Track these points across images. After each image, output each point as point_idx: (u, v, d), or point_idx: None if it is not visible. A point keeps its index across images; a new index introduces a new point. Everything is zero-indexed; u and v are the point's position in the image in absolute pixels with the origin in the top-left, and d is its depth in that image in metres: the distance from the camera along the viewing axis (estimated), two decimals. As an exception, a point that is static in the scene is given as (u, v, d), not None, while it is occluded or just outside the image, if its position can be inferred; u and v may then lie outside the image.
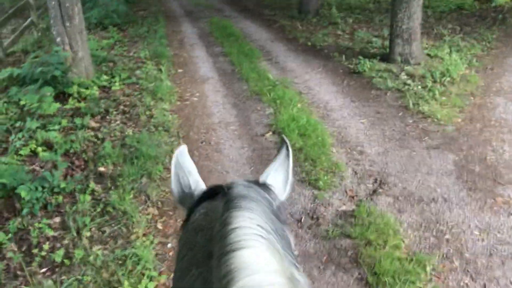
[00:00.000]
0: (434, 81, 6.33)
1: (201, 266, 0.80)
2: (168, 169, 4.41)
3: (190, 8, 15.42)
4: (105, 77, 6.84)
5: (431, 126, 5.10)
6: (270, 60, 8.37)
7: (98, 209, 3.66)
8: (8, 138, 4.92)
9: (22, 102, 5.50)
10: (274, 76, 7.24)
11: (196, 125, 5.59)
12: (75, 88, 6.11)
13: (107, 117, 5.59)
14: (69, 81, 6.14)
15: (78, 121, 5.27)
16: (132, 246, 3.19)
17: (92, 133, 5.10)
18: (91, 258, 3.06)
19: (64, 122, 5.23)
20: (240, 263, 0.67)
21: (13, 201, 3.71)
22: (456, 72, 6.58)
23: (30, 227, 3.45)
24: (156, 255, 3.18)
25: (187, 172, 1.17)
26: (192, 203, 1.03)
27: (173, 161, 1.19)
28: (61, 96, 6.08)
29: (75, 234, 3.36)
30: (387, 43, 8.39)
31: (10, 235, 3.33)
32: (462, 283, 2.89)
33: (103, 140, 4.96)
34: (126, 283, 2.85)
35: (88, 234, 3.36)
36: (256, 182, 1.01)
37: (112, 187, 4.00)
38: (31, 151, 4.68)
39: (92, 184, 4.00)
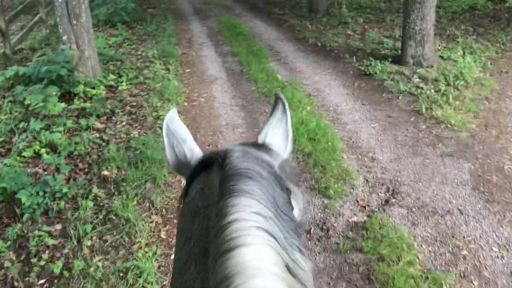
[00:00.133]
0: (448, 85, 6.16)
1: (199, 264, 0.76)
2: (173, 174, 4.30)
3: (199, 6, 15.29)
4: (112, 76, 6.74)
5: (445, 132, 4.93)
6: (279, 60, 8.22)
7: (100, 216, 3.55)
8: (12, 139, 4.84)
9: (26, 102, 5.41)
10: (283, 77, 7.11)
11: (203, 127, 5.47)
12: (81, 88, 6.01)
13: (113, 118, 5.48)
14: (75, 80, 6.04)
15: (83, 122, 5.17)
16: (134, 258, 3.07)
17: (97, 135, 5.00)
18: (91, 269, 2.95)
19: (69, 122, 5.13)
20: (236, 266, 0.62)
21: (14, 206, 3.61)
22: (470, 76, 6.40)
23: (30, 234, 3.35)
24: (159, 267, 3.07)
25: (181, 139, 1.11)
26: (188, 174, 0.99)
27: (164, 130, 1.12)
28: (67, 96, 5.99)
29: (75, 243, 3.25)
30: (398, 44, 8.22)
31: (9, 242, 3.23)
32: (479, 303, 2.75)
33: (108, 142, 4.85)
34: (127, 296, 2.74)
35: (89, 243, 3.25)
36: (255, 144, 0.97)
37: (116, 193, 3.89)
38: (35, 152, 4.59)
39: (95, 189, 3.89)
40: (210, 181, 0.85)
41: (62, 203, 3.72)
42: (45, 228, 3.41)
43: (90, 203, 3.69)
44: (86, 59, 6.43)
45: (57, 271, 2.94)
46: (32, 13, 11.56)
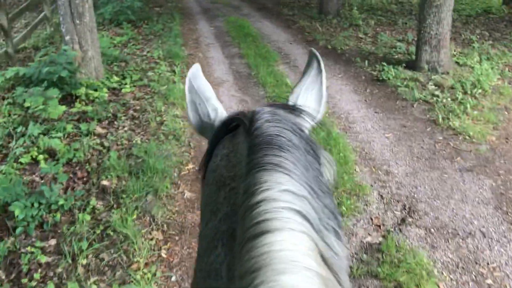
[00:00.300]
0: (465, 93, 5.90)
1: (226, 245, 0.69)
2: (176, 185, 4.08)
3: (207, 5, 15.07)
4: (115, 78, 6.53)
5: (463, 145, 4.68)
6: (288, 63, 7.99)
7: (98, 231, 3.34)
8: (9, 144, 4.64)
9: (26, 104, 5.20)
10: (293, 81, 6.86)
11: (209, 133, 5.24)
12: (83, 90, 5.80)
13: (115, 122, 5.27)
14: (77, 82, 5.83)
15: (83, 126, 4.96)
16: (131, 280, 2.85)
17: (98, 141, 4.79)
18: (85, 293, 2.74)
19: (69, 127, 4.91)
20: (262, 258, 0.54)
21: (6, 219, 3.40)
22: (487, 83, 6.13)
23: (22, 250, 3.14)
24: (158, 291, 2.85)
25: (204, 98, 1.05)
26: (211, 137, 0.92)
27: (186, 87, 1.06)
28: (68, 98, 5.78)
29: (70, 261, 3.03)
30: (412, 48, 7.97)
31: (-1, 259, 3.02)
32: None
33: (108, 148, 4.64)
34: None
35: (84, 261, 3.03)
36: (285, 106, 0.89)
37: (115, 205, 3.67)
38: (32, 159, 4.39)
39: (93, 201, 3.68)
40: (236, 147, 0.79)
41: (58, 215, 3.51)
42: (39, 244, 3.19)
43: (88, 217, 3.48)
44: (89, 60, 6.23)
45: (48, 294, 2.73)
46: (37, 10, 11.39)
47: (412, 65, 6.98)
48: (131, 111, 5.59)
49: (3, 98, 5.68)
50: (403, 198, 3.81)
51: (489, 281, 2.89)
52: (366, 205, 3.73)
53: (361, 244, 3.28)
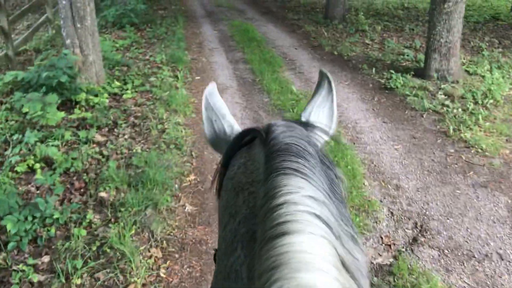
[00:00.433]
0: (476, 103, 5.72)
1: (246, 247, 0.70)
2: (176, 197, 3.91)
3: (211, 8, 14.94)
4: (117, 83, 6.38)
5: (476, 158, 4.50)
6: (293, 69, 7.82)
7: (94, 248, 3.17)
8: (6, 151, 4.49)
9: (24, 109, 5.05)
10: (298, 88, 6.70)
11: (212, 142, 5.07)
12: (83, 96, 5.65)
13: (115, 130, 5.11)
14: (77, 87, 5.68)
15: (82, 134, 4.81)
16: (128, 304, 2.69)
17: (97, 149, 4.63)
18: (78, 318, 2.57)
19: (68, 134, 4.76)
20: (281, 257, 0.53)
21: (0, 231, 3.24)
22: (499, 93, 5.95)
23: (14, 267, 2.98)
24: (156, 317, 2.68)
25: (220, 115, 1.08)
26: (227, 149, 0.95)
27: (203, 104, 1.10)
28: (68, 104, 5.64)
29: (63, 280, 2.87)
30: (420, 55, 7.80)
31: (-12, 278, 2.86)
32: None
33: (108, 158, 4.48)
34: None
35: (79, 281, 2.86)
36: (298, 122, 0.91)
37: (112, 219, 3.50)
38: (29, 167, 4.24)
39: (90, 215, 3.51)
40: (253, 156, 0.82)
41: (53, 230, 3.34)
42: (31, 261, 3.03)
43: (83, 232, 3.31)
44: (90, 64, 6.08)
45: (38, 319, 2.56)
46: (40, 12, 11.28)
47: (421, 73, 6.81)
48: (132, 118, 5.43)
49: (1, 103, 5.53)
50: (414, 215, 3.64)
51: (508, 309, 2.72)
52: (376, 222, 3.55)
53: (371, 265, 3.11)
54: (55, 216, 3.39)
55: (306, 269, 0.52)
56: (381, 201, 3.83)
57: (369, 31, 10.48)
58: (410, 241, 3.34)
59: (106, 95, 5.93)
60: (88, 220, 3.47)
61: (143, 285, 2.89)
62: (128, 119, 5.41)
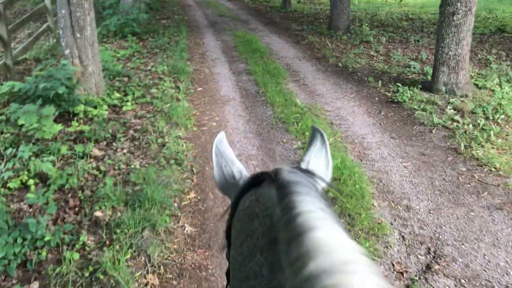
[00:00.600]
0: (486, 118, 5.53)
1: (266, 252, 0.75)
2: (175, 217, 3.72)
3: (215, 18, 14.84)
4: (116, 94, 6.21)
5: (489, 178, 4.30)
6: (297, 81, 7.66)
7: (86, 274, 2.97)
8: (-1, 165, 4.31)
9: (20, 122, 4.88)
10: (302, 101, 6.53)
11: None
12: (81, 107, 5.48)
13: (114, 144, 4.93)
14: (76, 99, 5.51)
15: (79, 148, 4.63)
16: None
17: (94, 164, 4.45)
18: None
19: (64, 149, 4.58)
20: (315, 243, 0.61)
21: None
22: (510, 108, 5.77)
23: (0, 294, 2.79)
24: None
25: (230, 161, 1.14)
26: (237, 191, 0.99)
27: (213, 150, 1.17)
28: (66, 116, 5.47)
29: (52, 311, 2.67)
30: (427, 68, 7.64)
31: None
32: None
33: (105, 173, 4.30)
34: None
35: (69, 312, 2.67)
36: (300, 168, 0.97)
37: (107, 241, 3.31)
38: (22, 183, 4.06)
39: (83, 236, 3.32)
40: (263, 192, 0.87)
41: (44, 253, 3.15)
42: None
43: (76, 255, 3.12)
44: (89, 75, 5.92)
45: None
46: (41, 20, 11.16)
47: (429, 87, 6.64)
48: (131, 131, 5.25)
49: (-3, 114, 5.37)
50: (427, 240, 3.44)
51: None
52: (387, 247, 3.35)
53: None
54: (46, 238, 3.19)
55: (339, 249, 0.60)
56: (391, 224, 3.63)
57: (374, 43, 10.35)
58: (424, 268, 3.13)
59: (105, 107, 5.77)
60: (81, 242, 3.27)
61: (138, 316, 2.69)
62: (128, 132, 5.23)
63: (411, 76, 7.49)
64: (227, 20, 14.40)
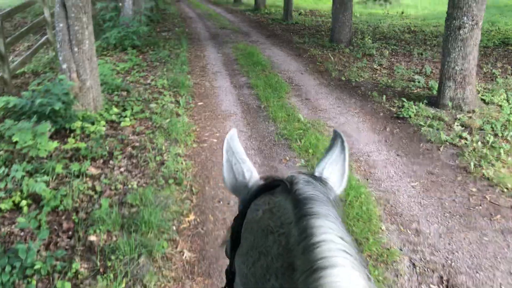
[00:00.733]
0: (495, 135, 5.37)
1: (281, 278, 0.74)
2: (173, 242, 3.54)
3: (216, 30, 14.77)
4: (115, 109, 6.06)
5: (502, 199, 4.13)
6: (299, 96, 7.51)
7: (78, 306, 2.79)
8: (-9, 185, 4.14)
9: (14, 139, 4.72)
10: (305, 116, 6.38)
11: (214, 175, 4.73)
12: (78, 124, 5.33)
13: (111, 161, 4.77)
14: (73, 114, 5.36)
15: (75, 167, 4.46)
16: None
17: (90, 184, 4.28)
18: None
19: (59, 167, 4.41)
20: (331, 284, 0.63)
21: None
22: (519, 124, 5.61)
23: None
24: None
25: (240, 159, 1.11)
26: (248, 194, 1.01)
27: (224, 147, 1.14)
28: (62, 132, 5.32)
29: None
30: (431, 82, 7.51)
31: None
32: None
33: (100, 194, 4.13)
34: None
35: None
36: (314, 176, 0.96)
37: (101, 269, 3.13)
38: (14, 204, 3.89)
39: (76, 264, 3.14)
40: (278, 203, 0.86)
41: (34, 282, 2.97)
42: (5, 322, 2.66)
43: (68, 285, 2.93)
44: (87, 90, 5.78)
45: None
46: (42, 32, 11.07)
47: (434, 102, 6.49)
48: (129, 149, 5.09)
49: (-9, 131, 5.21)
50: (439, 267, 3.25)
51: None
52: (397, 276, 3.17)
53: (394, 330, 2.72)
54: (36, 267, 3.01)
55: None
56: (401, 250, 3.44)
57: (377, 56, 10.22)
58: (437, 299, 2.95)
59: (103, 122, 5.62)
60: (74, 270, 3.09)
61: None
62: (125, 149, 5.07)
63: (416, 91, 7.34)
64: (228, 32, 14.32)
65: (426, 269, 3.24)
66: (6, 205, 3.83)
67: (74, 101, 5.47)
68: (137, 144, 5.22)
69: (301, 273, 0.68)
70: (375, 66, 9.24)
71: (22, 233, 3.55)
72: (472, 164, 4.70)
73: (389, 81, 8.04)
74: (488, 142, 5.16)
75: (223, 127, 6.08)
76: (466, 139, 5.30)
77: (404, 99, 6.68)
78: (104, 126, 5.56)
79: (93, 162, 4.72)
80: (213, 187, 4.47)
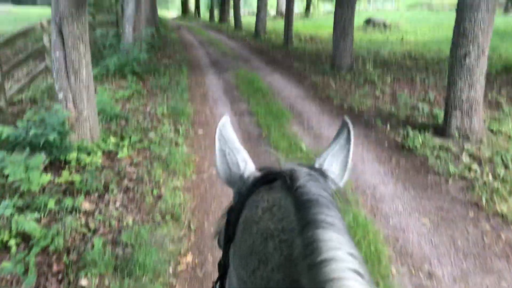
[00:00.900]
0: (506, 167, 5.17)
1: None
2: (170, 286, 3.31)
3: (217, 57, 14.75)
4: (112, 139, 5.89)
5: (518, 237, 3.91)
6: (301, 124, 7.36)
7: None
8: (-21, 222, 3.93)
9: (6, 171, 4.52)
10: (308, 145, 6.20)
11: (213, 209, 4.53)
12: (74, 155, 5.15)
13: (106, 195, 4.57)
14: (68, 145, 5.18)
15: (68, 201, 4.26)
16: None
17: (83, 221, 4.07)
18: None
19: (51, 203, 4.21)
20: None
21: None
22: (530, 156, 5.42)
23: None
24: None
25: (234, 148, 1.06)
26: (244, 187, 0.97)
27: (216, 136, 1.08)
28: (57, 163, 5.13)
29: None
30: (436, 110, 7.35)
31: None
32: None
33: (94, 232, 3.92)
34: None
35: None
36: (314, 168, 0.94)
37: (92, 319, 2.90)
38: (2, 243, 3.67)
39: (64, 313, 2.92)
40: (278, 201, 0.82)
41: (17, 334, 2.74)
42: None
43: (54, 337, 2.71)
44: (84, 120, 5.62)
45: None
46: (41, 58, 10.99)
47: (440, 131, 6.32)
48: (125, 181, 4.90)
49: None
50: (456, 316, 3.02)
51: None
52: (411, 326, 2.93)
53: None
54: (21, 317, 2.79)
55: None
56: (413, 295, 3.22)
57: (379, 82, 10.11)
58: None
59: (99, 153, 5.43)
60: (62, 320, 2.87)
61: None
62: (122, 182, 4.88)
63: (420, 119, 7.18)
64: (229, 59, 14.30)
65: (442, 318, 3.00)
66: (-7, 244, 3.62)
67: (70, 131, 5.30)
68: (134, 176, 5.03)
69: None
70: (377, 93, 9.12)
71: (8, 276, 3.32)
72: (484, 199, 4.49)
73: (393, 108, 7.90)
74: (499, 175, 4.97)
75: (224, 158, 5.89)
76: (475, 171, 5.11)
77: (409, 128, 6.51)
78: (100, 157, 5.38)
79: (88, 196, 4.52)
80: (213, 223, 4.26)
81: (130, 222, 4.07)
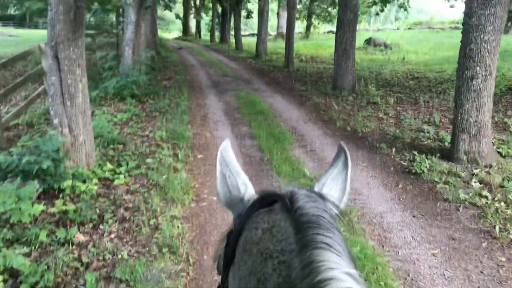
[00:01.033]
0: (517, 193, 4.97)
1: None
2: (167, 328, 3.08)
3: (217, 78, 14.67)
4: (109, 166, 5.70)
5: (536, 270, 3.68)
6: (304, 147, 7.18)
7: None
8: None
9: (-3, 200, 4.33)
10: (311, 170, 6.00)
11: (213, 240, 4.31)
12: (68, 183, 4.96)
13: (101, 226, 4.36)
14: (63, 173, 5.00)
15: (61, 233, 4.05)
16: None
17: (76, 254, 3.86)
18: None
19: (43, 235, 4.00)
20: None
21: None
22: (542, 180, 5.21)
23: None
24: None
25: (235, 172, 1.07)
26: (244, 209, 0.97)
27: (218, 159, 1.09)
28: (51, 192, 4.93)
29: None
30: (442, 133, 7.19)
31: None
32: None
33: (87, 265, 3.70)
34: None
35: None
36: (313, 191, 0.93)
37: None
38: (-11, 280, 3.46)
39: None
40: (277, 223, 0.82)
41: None
42: None
43: None
44: (80, 145, 5.44)
45: None
46: (40, 80, 10.90)
47: (448, 155, 6.13)
48: (121, 210, 4.69)
49: (-27, 192, 4.83)
50: None
51: None
52: None
53: None
54: None
55: None
56: (428, 338, 2.98)
57: (382, 104, 9.97)
58: None
59: (95, 180, 5.24)
60: None
61: None
62: (117, 211, 4.67)
63: (426, 142, 7.00)
64: (230, 80, 14.21)
65: None
66: (-21, 282, 3.40)
67: (64, 158, 5.12)
68: (130, 205, 4.82)
69: None
70: (381, 115, 8.96)
71: (-7, 318, 3.11)
72: (497, 228, 4.27)
73: (397, 131, 7.72)
74: (511, 201, 4.75)
75: (224, 183, 5.69)
76: (486, 197, 4.90)
77: (415, 152, 6.31)
78: (96, 184, 5.18)
79: (82, 227, 4.31)
80: (212, 256, 4.04)
81: (125, 255, 3.85)
